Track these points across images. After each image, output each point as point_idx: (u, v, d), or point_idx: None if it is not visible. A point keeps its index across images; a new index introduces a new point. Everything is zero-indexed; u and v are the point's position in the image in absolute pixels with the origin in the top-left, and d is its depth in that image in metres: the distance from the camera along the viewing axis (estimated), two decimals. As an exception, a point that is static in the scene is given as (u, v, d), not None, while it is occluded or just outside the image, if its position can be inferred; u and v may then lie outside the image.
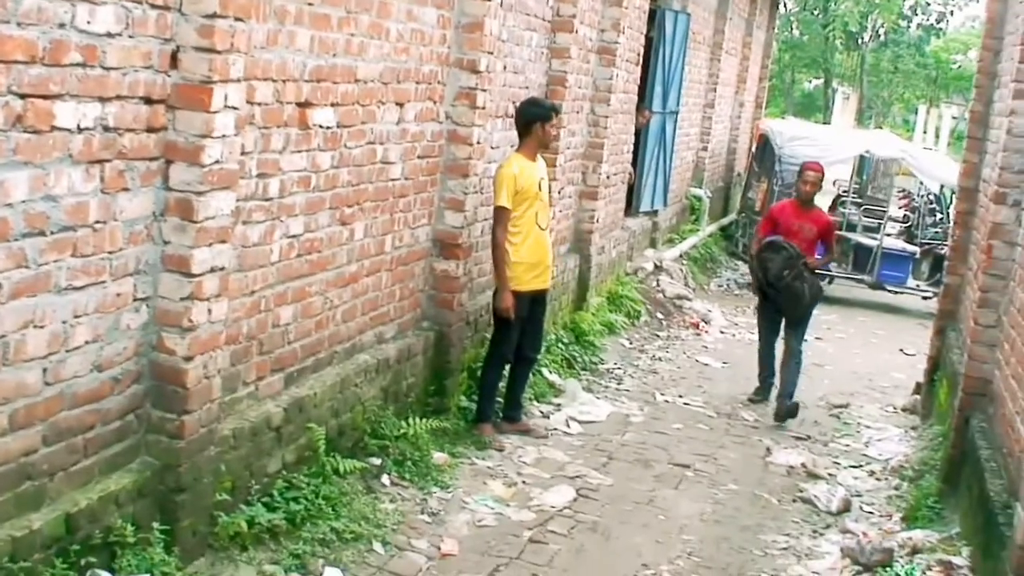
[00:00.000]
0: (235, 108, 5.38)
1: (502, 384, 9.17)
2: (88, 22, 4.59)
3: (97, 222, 4.86)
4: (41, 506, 4.78)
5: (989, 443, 7.73)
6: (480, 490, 7.83)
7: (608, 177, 13.16)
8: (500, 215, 8.60)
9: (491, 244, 8.75)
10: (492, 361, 8.96)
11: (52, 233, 4.60)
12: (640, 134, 15.16)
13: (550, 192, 9.14)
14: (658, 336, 13.82)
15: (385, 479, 7.44)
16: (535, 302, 8.92)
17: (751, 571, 7.25)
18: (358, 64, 6.91)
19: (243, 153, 5.74)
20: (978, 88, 10.94)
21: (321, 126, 6.58)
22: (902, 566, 7.23)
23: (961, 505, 7.94)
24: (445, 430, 8.38)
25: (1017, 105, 8.56)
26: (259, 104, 5.91)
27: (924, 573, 7.12)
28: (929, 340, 11.72)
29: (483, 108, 8.59)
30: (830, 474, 9.48)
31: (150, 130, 5.08)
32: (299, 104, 6.31)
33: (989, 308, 8.57)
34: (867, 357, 14.90)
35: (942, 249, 17.19)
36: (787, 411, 10.87)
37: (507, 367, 9.10)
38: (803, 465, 9.54)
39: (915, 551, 7.48)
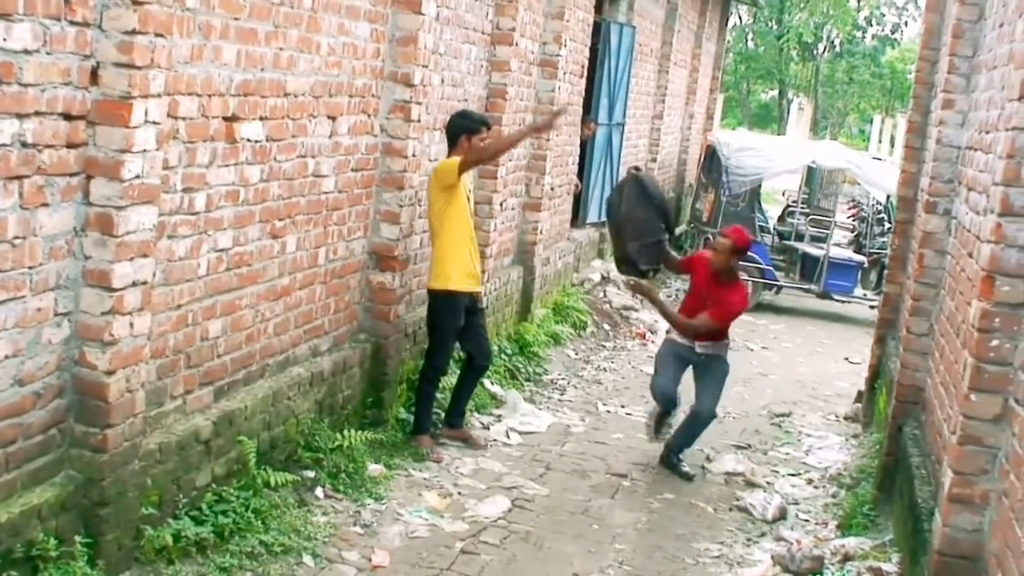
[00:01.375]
0: (156, 123, 5.43)
1: (441, 395, 9.25)
2: (4, 39, 4.63)
3: (16, 237, 4.89)
4: (-40, 521, 4.81)
5: (920, 450, 7.84)
6: (415, 501, 7.89)
7: (552, 189, 13.26)
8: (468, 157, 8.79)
9: (497, 150, 9.25)
10: (428, 373, 9.02)
11: (-32, 249, 4.63)
12: (586, 146, 15.27)
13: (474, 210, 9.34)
14: (604, 347, 13.92)
15: (319, 492, 7.48)
16: (470, 312, 9.00)
17: (682, 579, 7.35)
18: (287, 78, 6.97)
19: (167, 168, 5.79)
20: (916, 99, 11.09)
21: (249, 140, 6.64)
22: (832, 573, 7.34)
23: (894, 512, 8.04)
24: (382, 442, 8.44)
25: (946, 115, 8.70)
26: (184, 119, 5.96)
27: (853, 579, 7.24)
28: (870, 349, 11.86)
29: (418, 121, 8.66)
30: (768, 482, 9.58)
31: (70, 146, 5.12)
32: (226, 118, 6.36)
33: (921, 316, 8.71)
34: (812, 366, 15.06)
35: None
36: (673, 470, 9.54)
37: (442, 378, 9.18)
38: (741, 474, 9.65)
39: (847, 558, 7.57)
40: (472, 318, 9.01)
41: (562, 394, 11.50)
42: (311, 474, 7.53)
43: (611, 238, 9.44)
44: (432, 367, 8.97)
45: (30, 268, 5.01)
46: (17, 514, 5.05)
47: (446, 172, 8.69)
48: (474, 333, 9.08)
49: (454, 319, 8.84)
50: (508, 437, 9.70)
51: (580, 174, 15.25)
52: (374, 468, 8.05)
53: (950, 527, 5.73)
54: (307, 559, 6.63)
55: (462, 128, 8.83)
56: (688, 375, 9.80)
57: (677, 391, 9.80)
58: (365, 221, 8.50)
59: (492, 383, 10.58)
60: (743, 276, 9.66)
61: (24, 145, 4.85)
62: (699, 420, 9.58)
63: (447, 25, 9.45)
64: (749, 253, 9.99)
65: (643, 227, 9.91)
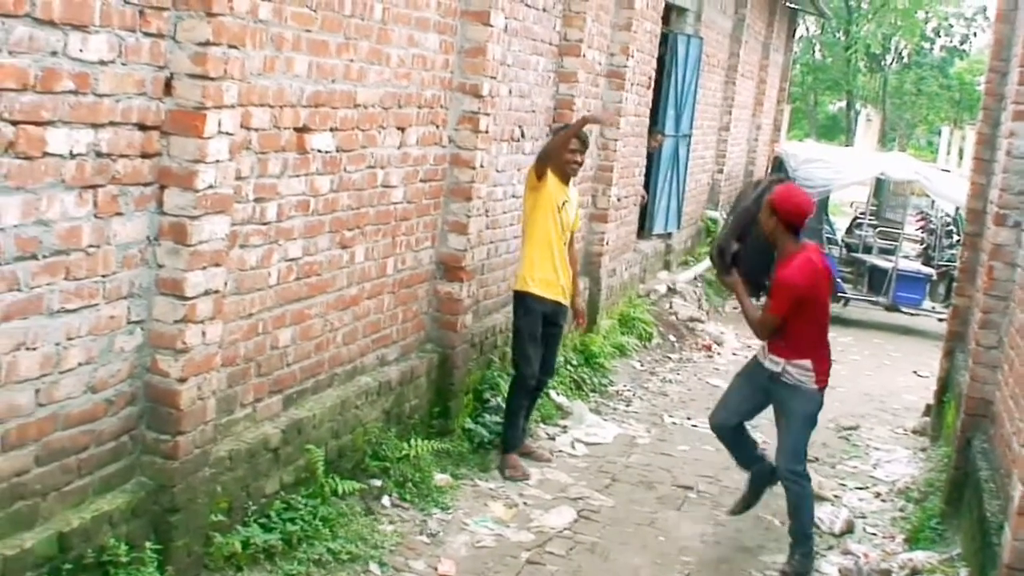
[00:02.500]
0: (229, 134, 5.47)
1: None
2: (80, 50, 4.69)
3: (90, 246, 4.94)
4: (34, 525, 4.85)
5: (989, 464, 7.75)
6: (480, 511, 7.88)
7: (619, 200, 13.23)
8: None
9: (550, 147, 8.86)
10: (514, 386, 8.94)
11: (44, 257, 4.68)
12: (653, 157, 15.23)
13: (573, 227, 9.07)
14: (670, 358, 13.85)
15: (385, 500, 7.50)
16: (550, 322, 8.92)
17: (748, 592, 7.28)
18: (357, 89, 7.00)
19: (239, 178, 5.83)
20: (985, 110, 10.95)
21: (320, 151, 6.67)
22: (900, 587, 7.26)
23: (962, 526, 7.95)
24: (448, 452, 8.43)
25: (1016, 127, 8.59)
26: (256, 129, 6.00)
27: (921, 593, 7.16)
28: (939, 362, 11.73)
29: (486, 132, 8.68)
30: (836, 496, 9.48)
31: (144, 155, 5.17)
32: (297, 129, 6.39)
33: (990, 329, 8.60)
34: (880, 379, 14.90)
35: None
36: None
37: (530, 391, 9.02)
38: (809, 487, 9.54)
39: (915, 572, 7.50)
40: (548, 329, 8.96)
41: (627, 405, 11.46)
42: (378, 483, 7.55)
43: (726, 223, 8.37)
44: (518, 378, 8.88)
45: (103, 276, 5.06)
46: (89, 520, 5.09)
47: (528, 173, 8.76)
48: (545, 347, 8.99)
49: (530, 324, 8.76)
50: (574, 448, 9.68)
51: (647, 185, 15.20)
52: (440, 478, 8.05)
53: (1020, 541, 5.65)
54: (374, 567, 6.63)
55: (554, 133, 8.90)
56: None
57: (744, 427, 8.16)
58: (433, 231, 8.52)
59: (558, 394, 10.56)
60: (804, 247, 7.40)
61: (99, 155, 4.90)
62: (785, 485, 7.75)
63: (515, 36, 9.46)
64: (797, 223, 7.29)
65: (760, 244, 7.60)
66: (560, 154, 8.75)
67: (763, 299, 7.77)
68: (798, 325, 7.40)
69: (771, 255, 7.54)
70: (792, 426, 7.66)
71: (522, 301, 8.80)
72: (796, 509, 7.70)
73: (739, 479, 9.49)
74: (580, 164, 8.95)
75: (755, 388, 7.82)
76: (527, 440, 9.26)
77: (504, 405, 9.03)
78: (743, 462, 8.29)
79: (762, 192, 7.63)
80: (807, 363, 7.47)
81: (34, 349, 4.72)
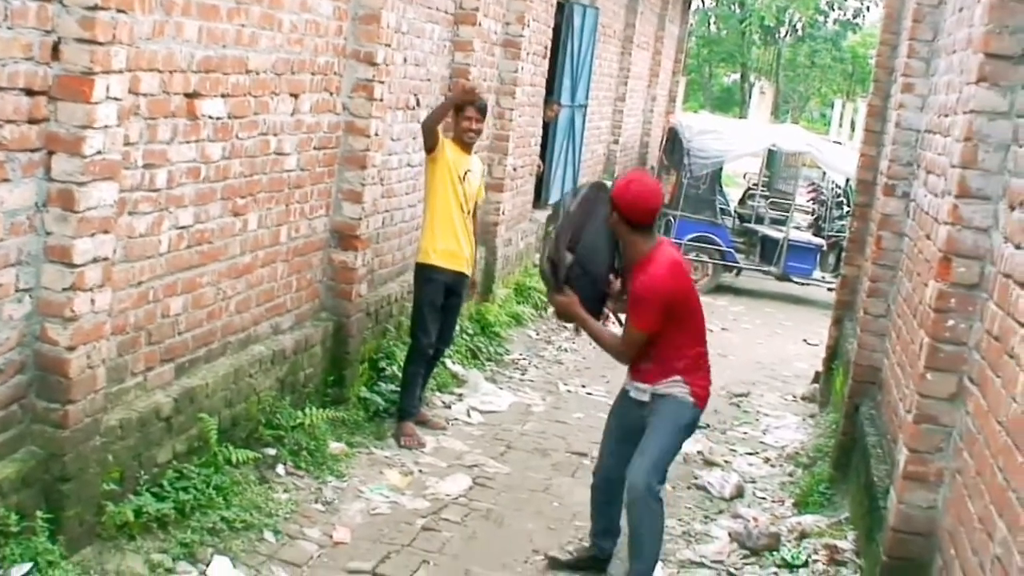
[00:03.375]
0: (117, 99, 5.40)
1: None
2: (-36, 13, 4.61)
3: (-24, 212, 4.88)
4: (-81, 495, 4.79)
5: (876, 430, 7.94)
6: (376, 479, 7.91)
7: (515, 169, 13.28)
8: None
9: (428, 118, 8.83)
10: (411, 354, 8.97)
11: (-72, 223, 4.62)
12: (549, 127, 15.29)
13: (477, 196, 9.13)
14: (565, 327, 13.92)
15: (280, 469, 7.49)
16: (451, 292, 8.96)
17: (641, 556, 7.37)
18: (249, 55, 6.95)
19: (128, 144, 5.76)
20: (876, 83, 11.16)
21: (211, 117, 6.62)
22: (788, 550, 7.42)
23: (850, 490, 8.14)
24: (343, 420, 8.45)
25: (906, 99, 8.78)
26: (145, 95, 5.94)
27: (810, 557, 7.31)
28: (828, 330, 11.96)
29: (381, 100, 8.65)
30: (726, 461, 9.65)
31: (31, 121, 5.10)
32: (187, 95, 6.33)
33: (878, 298, 8.80)
34: (771, 347, 15.17)
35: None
36: None
37: (427, 360, 9.06)
38: (700, 453, 9.72)
39: (803, 536, 7.67)
40: (448, 299, 8.98)
41: (523, 374, 11.55)
42: (272, 452, 7.54)
43: (550, 237, 6.79)
44: (414, 347, 8.93)
45: (-10, 243, 4.99)
46: (-23, 489, 5.04)
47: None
48: (444, 316, 9.05)
49: (431, 293, 8.81)
50: (469, 416, 9.74)
51: (543, 155, 15.26)
52: (335, 446, 8.07)
53: (905, 504, 5.80)
54: (268, 535, 6.64)
55: (455, 108, 8.94)
56: None
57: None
58: (327, 200, 8.49)
59: (454, 363, 10.61)
60: (664, 248, 6.34)
61: (-15, 120, 4.83)
62: (627, 502, 6.43)
63: (410, 4, 9.44)
64: (656, 212, 6.18)
65: (595, 258, 6.56)
66: (454, 124, 8.79)
67: (607, 319, 6.97)
68: (668, 337, 6.29)
69: (608, 264, 6.54)
70: (658, 432, 6.41)
71: (423, 272, 8.82)
72: (641, 537, 6.40)
73: (632, 445, 9.63)
74: (478, 133, 8.97)
75: (631, 428, 6.60)
76: (423, 409, 9.29)
77: (400, 374, 9.06)
78: (600, 528, 6.95)
79: (585, 197, 6.57)
80: (679, 379, 6.37)
81: (-82, 317, 4.65)
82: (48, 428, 5.42)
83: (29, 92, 5.06)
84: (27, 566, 5.14)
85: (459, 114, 8.83)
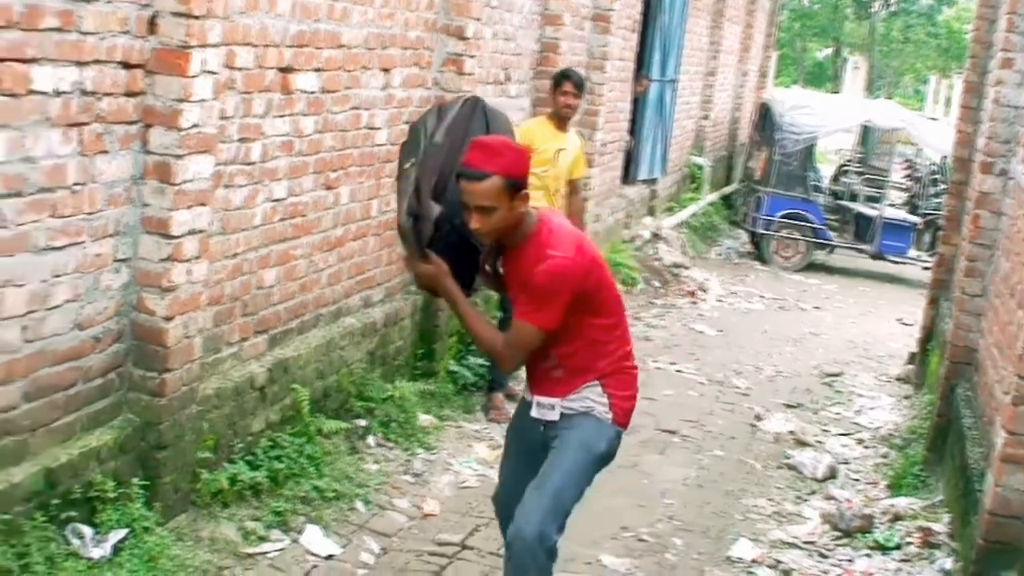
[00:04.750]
0: (213, 73, 5.50)
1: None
2: (64, -11, 4.72)
3: (76, 184, 4.99)
4: (22, 461, 4.92)
5: (972, 411, 7.86)
6: (465, 452, 7.99)
7: (604, 145, 13.27)
8: None
9: None
10: (499, 327, 8.96)
11: (30, 194, 4.73)
12: (638, 102, 15.25)
13: (572, 173, 9.09)
14: (654, 304, 13.95)
15: (370, 440, 7.59)
16: None
17: (730, 534, 7.39)
18: (342, 30, 7.02)
19: (223, 118, 5.87)
20: (972, 58, 10.99)
21: (304, 91, 6.71)
22: (881, 532, 7.39)
23: (945, 473, 8.07)
24: (432, 393, 8.54)
25: (1004, 75, 8.65)
26: (240, 69, 6.03)
27: (903, 539, 7.28)
28: (923, 310, 11.84)
29: (471, 74, 8.70)
30: (818, 441, 9.60)
31: (129, 94, 5.21)
32: (281, 69, 6.42)
33: (975, 277, 8.68)
34: (865, 326, 15.03)
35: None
36: None
37: None
38: (792, 432, 9.67)
39: (896, 518, 7.63)
40: None
41: (612, 350, 11.53)
42: (363, 423, 7.64)
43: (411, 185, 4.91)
44: (502, 319, 8.92)
45: (89, 214, 5.11)
46: (76, 456, 5.17)
47: None
48: None
49: None
50: (556, 391, 9.75)
51: (632, 131, 15.22)
52: (425, 419, 8.15)
53: (1002, 487, 5.77)
54: (359, 505, 6.74)
55: (552, 82, 9.01)
56: None
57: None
58: (417, 174, 8.54)
59: (542, 338, 10.62)
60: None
61: (84, 93, 4.94)
62: (510, 552, 4.87)
63: (501, -22, 9.47)
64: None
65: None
66: (552, 100, 8.86)
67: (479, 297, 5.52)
68: (580, 332, 4.83)
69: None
70: (563, 463, 4.91)
71: None
72: None
73: (722, 424, 9.65)
74: (575, 108, 8.97)
75: (535, 450, 5.02)
76: (511, 383, 9.33)
77: None
78: None
79: (456, 120, 4.94)
80: (597, 386, 4.92)
81: (21, 286, 4.78)
82: (145, 396, 5.55)
83: (126, 65, 5.17)
84: (123, 532, 5.27)
85: (556, 89, 8.86)
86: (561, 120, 8.88)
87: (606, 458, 5.08)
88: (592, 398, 4.93)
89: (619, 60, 13.40)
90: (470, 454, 7.98)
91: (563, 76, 8.95)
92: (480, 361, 9.13)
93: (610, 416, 4.96)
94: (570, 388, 4.91)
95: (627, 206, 15.39)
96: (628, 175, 15.63)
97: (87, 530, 5.16)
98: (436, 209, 4.76)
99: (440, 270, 4.81)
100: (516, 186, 4.58)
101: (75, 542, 5.09)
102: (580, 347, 4.86)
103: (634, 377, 5.17)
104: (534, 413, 4.98)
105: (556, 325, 4.72)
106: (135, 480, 5.43)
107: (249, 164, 6.28)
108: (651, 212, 17.04)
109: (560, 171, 8.87)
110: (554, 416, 4.93)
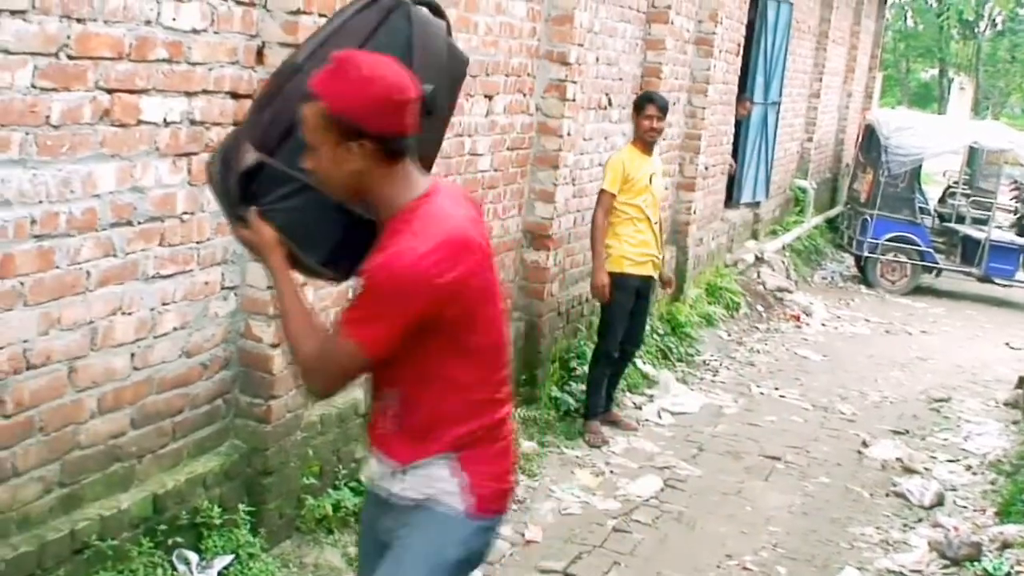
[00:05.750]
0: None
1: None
2: (173, 19, 4.77)
3: (184, 213, 5.04)
4: (129, 487, 4.97)
5: (1083, 437, 7.66)
6: (567, 479, 7.93)
7: (706, 168, 13.16)
8: (601, 198, 8.69)
9: (591, 226, 8.79)
10: (596, 356, 8.93)
11: (139, 223, 4.78)
12: (741, 125, 15.12)
13: (665, 188, 9.00)
14: (757, 328, 13.79)
15: (473, 466, 7.55)
16: (640, 295, 8.89)
17: (836, 563, 7.24)
18: (446, 58, 7.02)
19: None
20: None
21: (408, 118, 6.71)
22: (990, 560, 7.19)
23: (1056, 500, 7.87)
24: (535, 419, 8.50)
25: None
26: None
27: (1013, 568, 7.09)
28: (1034, 334, 11.58)
29: (573, 100, 8.67)
30: (926, 468, 9.40)
31: (237, 124, 5.24)
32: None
33: (1088, 300, 8.47)
34: (972, 351, 14.71)
35: (1054, 241, 17.01)
36: None
37: (614, 361, 8.98)
38: (899, 459, 9.48)
39: (1005, 545, 7.43)
40: (639, 300, 8.89)
41: (715, 375, 11.44)
42: (465, 450, 7.60)
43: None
44: (600, 349, 8.88)
45: (198, 243, 5.16)
46: (183, 482, 5.21)
47: (604, 173, 8.79)
48: (632, 317, 8.94)
49: (621, 300, 8.70)
50: (660, 417, 9.68)
51: (735, 154, 15.10)
52: (527, 445, 8.10)
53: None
54: (461, 533, 6.70)
55: (634, 107, 8.90)
56: None
57: None
58: (520, 200, 8.54)
59: (644, 363, 10.56)
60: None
61: (192, 123, 4.99)
62: None
63: (602, 3, 9.42)
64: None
65: None
66: (635, 125, 8.78)
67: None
68: (423, 372, 3.35)
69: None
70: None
71: (613, 280, 8.75)
72: None
73: (827, 451, 9.49)
74: (659, 132, 8.83)
75: (371, 553, 3.62)
76: (614, 409, 9.28)
77: (589, 374, 9.05)
78: None
79: (340, 33, 3.40)
80: (446, 461, 3.40)
81: (130, 314, 4.83)
82: (251, 423, 5.58)
83: (235, 95, 5.21)
84: (229, 558, 5.30)
85: (639, 113, 8.76)
86: (647, 145, 8.78)
87: (465, 565, 3.50)
88: (438, 481, 3.38)
89: (722, 83, 13.29)
90: (572, 480, 7.92)
91: (646, 99, 8.85)
92: (583, 387, 9.07)
93: (465, 506, 3.40)
94: (412, 453, 3.38)
95: (730, 230, 15.25)
96: (731, 198, 15.49)
97: (193, 556, 5.19)
98: (250, 157, 3.29)
99: (262, 238, 3.34)
100: (346, 128, 3.09)
101: (181, 568, 5.12)
102: (430, 397, 3.35)
103: (507, 449, 3.53)
104: (368, 473, 3.60)
105: (385, 350, 3.22)
106: (240, 506, 5.46)
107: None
108: (754, 236, 16.88)
109: (657, 198, 8.79)
110: (394, 487, 3.43)
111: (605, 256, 8.63)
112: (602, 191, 8.67)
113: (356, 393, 6.50)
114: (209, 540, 5.28)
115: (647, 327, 9.80)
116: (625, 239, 8.67)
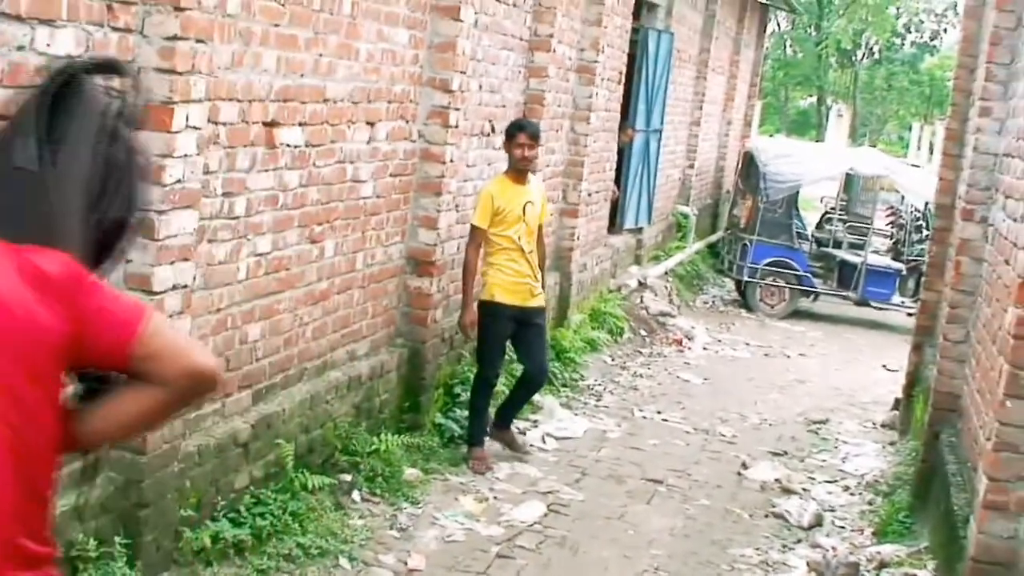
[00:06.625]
0: (197, 128, 5.47)
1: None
2: (48, 44, 4.68)
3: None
4: (1, 521, 4.84)
5: (957, 457, 7.81)
6: (451, 506, 7.90)
7: (589, 195, 13.26)
8: (472, 233, 8.71)
9: (464, 261, 8.81)
10: (476, 385, 8.93)
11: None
12: (624, 152, 15.26)
13: (540, 219, 8.96)
14: (640, 353, 13.90)
15: (356, 495, 7.50)
16: (523, 324, 8.86)
17: (717, 585, 7.32)
18: (327, 84, 7.00)
19: (207, 172, 5.83)
20: (954, 106, 11.03)
21: (289, 145, 6.67)
22: (868, 580, 7.32)
23: (930, 519, 8.01)
24: (419, 446, 8.46)
25: (983, 123, 8.66)
26: (224, 124, 6.00)
27: (889, 587, 7.22)
28: (908, 356, 11.79)
29: (456, 127, 8.69)
30: (804, 489, 9.53)
31: (111, 150, 5.16)
32: (266, 124, 6.39)
33: (958, 324, 8.66)
34: (850, 373, 14.99)
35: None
36: None
37: (493, 389, 9.00)
38: (778, 480, 9.60)
39: (882, 565, 7.55)
40: (524, 329, 8.86)
41: (598, 400, 11.50)
42: (348, 478, 7.56)
43: None
44: (479, 377, 8.89)
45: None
46: (57, 515, 5.07)
47: (475, 206, 8.88)
48: (523, 345, 8.97)
49: (495, 329, 8.74)
50: (544, 442, 9.70)
51: (617, 180, 15.23)
52: (411, 472, 8.07)
53: (985, 534, 5.72)
54: (344, 562, 6.65)
55: (505, 135, 8.92)
56: None
57: None
58: (403, 226, 8.53)
59: (528, 389, 10.58)
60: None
61: (67, 150, 4.89)
62: None
63: (485, 31, 9.47)
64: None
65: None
66: (508, 152, 8.83)
67: None
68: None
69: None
70: None
71: (485, 309, 8.78)
72: None
73: (708, 473, 9.59)
74: (531, 159, 8.86)
75: None
76: (514, 431, 9.26)
77: (470, 401, 9.04)
78: None
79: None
80: None
81: None
82: (127, 454, 5.47)
83: (110, 122, 5.12)
84: (106, 591, 5.19)
85: (511, 141, 8.78)
86: (520, 173, 8.80)
87: None
88: None
89: (604, 111, 13.42)
90: (456, 507, 7.89)
91: (516, 127, 8.88)
92: (466, 414, 9.06)
93: None
94: None
95: (613, 255, 15.36)
96: (614, 224, 15.62)
97: (68, 590, 5.08)
98: None
99: None
100: None
101: (55, 602, 5.00)
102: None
103: None
104: None
105: None
106: (117, 539, 5.35)
107: (233, 218, 6.24)
108: (637, 261, 17.03)
109: (532, 227, 8.81)
110: None
111: (475, 293, 8.67)
112: (472, 227, 8.70)
113: (234, 424, 6.43)
114: (85, 573, 5.17)
115: (547, 353, 9.79)
116: (498, 268, 8.70)
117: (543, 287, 9.08)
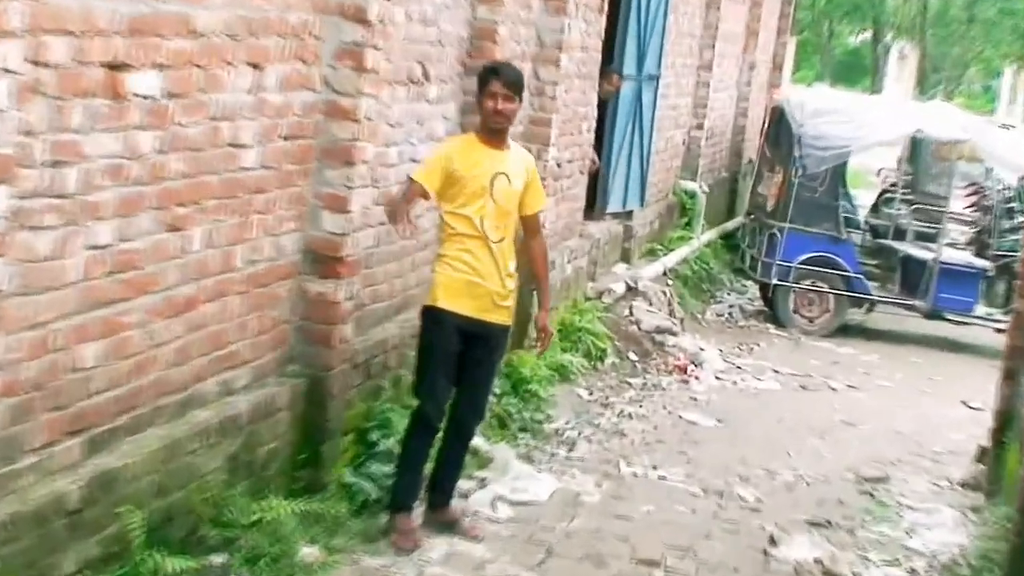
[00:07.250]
0: (12, 72, 5.42)
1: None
2: None
3: None
4: None
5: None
6: (363, 600, 7.91)
7: (559, 166, 13.27)
8: (408, 185, 8.74)
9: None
10: (410, 424, 8.91)
11: None
12: (607, 106, 15.28)
13: (524, 202, 8.92)
14: (629, 384, 13.94)
15: (231, 583, 7.49)
16: (474, 342, 8.79)
17: None
18: (194, 12, 6.96)
19: (27, 133, 5.77)
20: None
21: (141, 96, 6.62)
22: None
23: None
24: (319, 515, 8.42)
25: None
26: (51, 66, 5.94)
27: None
28: (996, 389, 11.85)
29: (375, 71, 8.66)
30: (855, 573, 9.56)
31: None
32: (110, 66, 6.34)
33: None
34: (917, 412, 15.09)
35: (1022, 264, 17.46)
36: None
37: (434, 432, 8.90)
38: (819, 561, 9.62)
39: None
40: (474, 349, 8.80)
41: (570, 450, 11.51)
42: (220, 559, 7.51)
43: None
44: (417, 413, 8.82)
45: None
46: None
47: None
48: (467, 374, 8.84)
49: (440, 343, 8.67)
50: (495, 510, 9.67)
51: (598, 146, 15.24)
52: (308, 552, 8.03)
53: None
54: None
55: (478, 81, 8.84)
56: None
57: None
58: (300, 208, 8.49)
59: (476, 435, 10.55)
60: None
61: None
62: None
63: (416, -60, 9.47)
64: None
65: None
66: (478, 108, 8.72)
67: None
68: None
69: None
70: None
71: (428, 316, 8.73)
72: None
73: (723, 550, 9.59)
74: (507, 115, 8.71)
75: None
76: (452, 504, 9.19)
77: (400, 448, 8.98)
78: None
79: None
80: None
81: None
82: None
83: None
84: None
85: (481, 91, 8.71)
86: (493, 134, 8.73)
87: None
88: None
89: (580, 51, 13.43)
90: (370, 602, 7.90)
91: (490, 72, 8.79)
92: (387, 469, 9.02)
93: None
94: None
95: (592, 249, 15.38)
96: (593, 207, 15.63)
97: None
98: None
99: None
100: None
101: None
102: None
103: None
104: None
105: None
106: None
107: (62, 197, 6.17)
108: (625, 258, 17.08)
109: (503, 207, 8.72)
110: None
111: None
112: (408, 178, 8.74)
113: (60, 484, 6.38)
114: None
115: (491, 390, 9.74)
116: (447, 262, 8.63)
117: (518, 298, 8.97)
